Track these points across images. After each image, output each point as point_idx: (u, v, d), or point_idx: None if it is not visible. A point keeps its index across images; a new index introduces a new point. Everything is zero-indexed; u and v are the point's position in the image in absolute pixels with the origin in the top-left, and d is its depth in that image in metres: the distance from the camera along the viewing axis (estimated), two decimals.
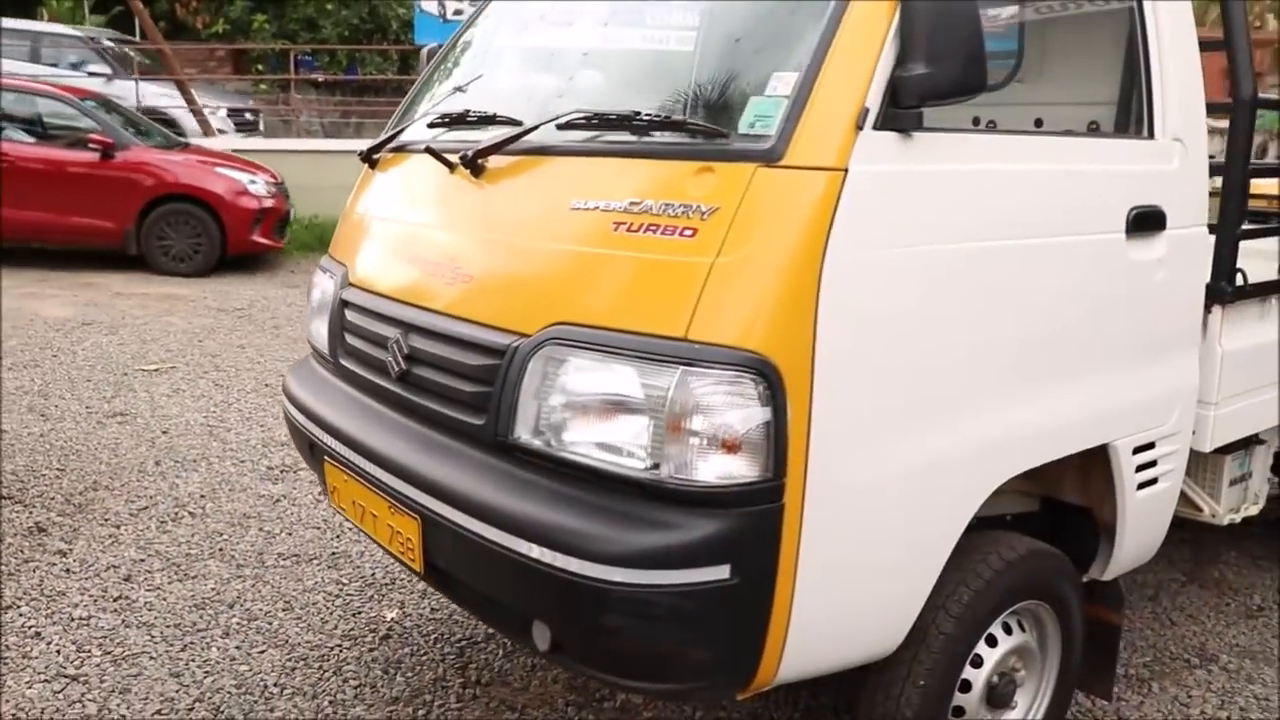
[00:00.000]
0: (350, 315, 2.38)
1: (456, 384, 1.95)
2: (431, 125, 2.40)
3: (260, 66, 16.45)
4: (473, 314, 1.97)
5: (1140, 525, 2.41)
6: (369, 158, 2.63)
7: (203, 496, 4.00)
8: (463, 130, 2.29)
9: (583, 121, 1.91)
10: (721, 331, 1.60)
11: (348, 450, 2.21)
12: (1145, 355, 2.29)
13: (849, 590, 1.79)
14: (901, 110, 1.68)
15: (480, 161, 2.09)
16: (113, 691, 2.69)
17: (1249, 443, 3.01)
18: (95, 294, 7.76)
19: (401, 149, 2.51)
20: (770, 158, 1.63)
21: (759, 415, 1.59)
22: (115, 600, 3.17)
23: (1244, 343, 2.62)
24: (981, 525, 2.45)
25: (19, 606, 3.10)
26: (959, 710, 2.15)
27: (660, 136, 1.81)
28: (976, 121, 2.73)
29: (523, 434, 1.79)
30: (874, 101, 1.66)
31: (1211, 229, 2.44)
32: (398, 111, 2.67)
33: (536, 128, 1.97)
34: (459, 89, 2.46)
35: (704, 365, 1.59)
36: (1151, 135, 2.26)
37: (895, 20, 1.68)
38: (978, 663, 2.15)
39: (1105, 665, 2.52)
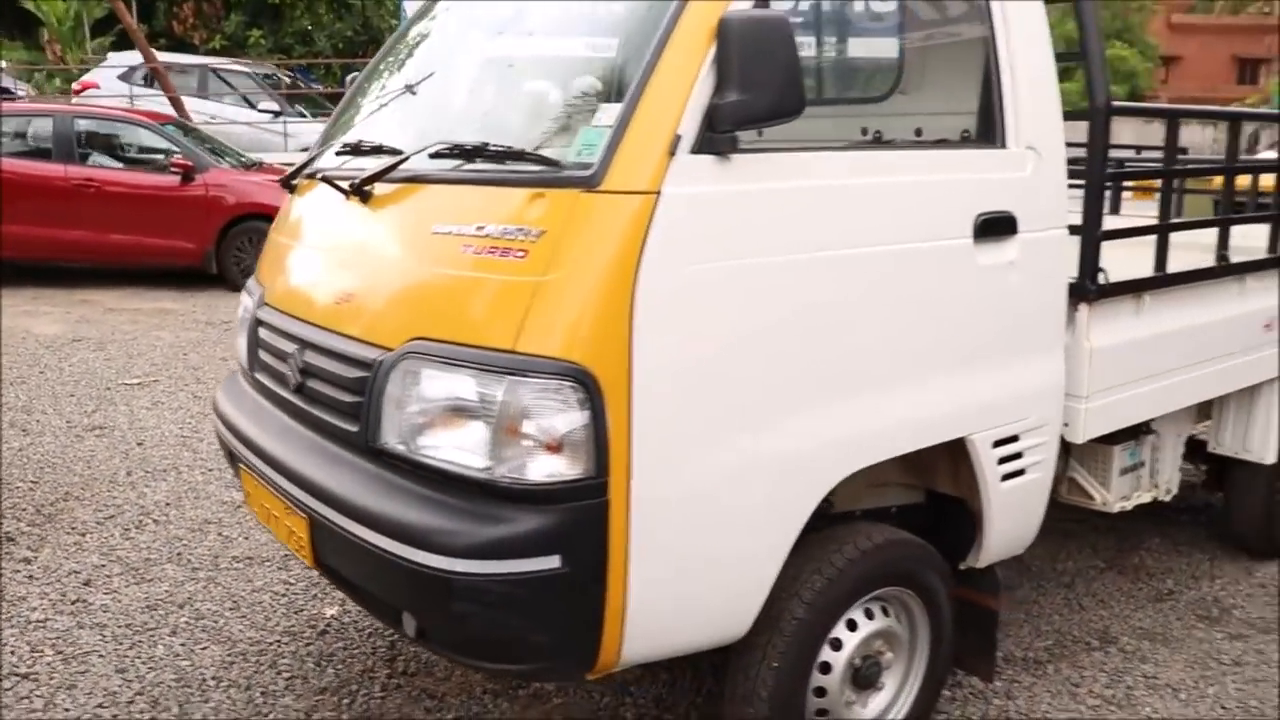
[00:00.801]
0: (263, 333, 2.56)
1: (338, 395, 2.12)
2: (338, 153, 2.58)
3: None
4: (351, 330, 2.14)
5: (1008, 514, 2.54)
6: (288, 184, 2.81)
7: (168, 504, 4.19)
8: (363, 158, 2.46)
9: (447, 151, 2.08)
10: (544, 344, 1.76)
11: (255, 458, 2.39)
12: (1002, 353, 2.43)
13: (685, 580, 1.94)
14: (717, 135, 1.83)
15: (367, 189, 2.26)
16: (60, 688, 2.88)
17: (1138, 432, 3.14)
18: (88, 310, 8.00)
19: (312, 176, 2.68)
20: (591, 184, 1.79)
21: (579, 419, 1.75)
22: (73, 604, 3.36)
23: (1115, 338, 2.75)
24: (866, 516, 2.62)
25: None
26: (821, 690, 2.29)
27: (507, 165, 1.97)
28: (864, 132, 2.88)
29: (388, 440, 1.96)
30: (688, 129, 1.82)
31: (1075, 230, 2.59)
32: (319, 139, 2.85)
33: (408, 158, 2.14)
34: (368, 115, 2.64)
35: (529, 375, 1.75)
36: (1004, 144, 2.40)
37: (712, 51, 1.84)
38: (838, 645, 2.30)
39: (986, 648, 2.66)
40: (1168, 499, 3.58)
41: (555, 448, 1.76)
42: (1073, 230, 2.55)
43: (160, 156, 8.93)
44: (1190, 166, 3.07)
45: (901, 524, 2.63)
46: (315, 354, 2.23)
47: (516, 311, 1.79)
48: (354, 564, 2.07)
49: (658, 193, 1.78)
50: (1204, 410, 3.60)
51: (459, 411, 1.84)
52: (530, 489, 1.78)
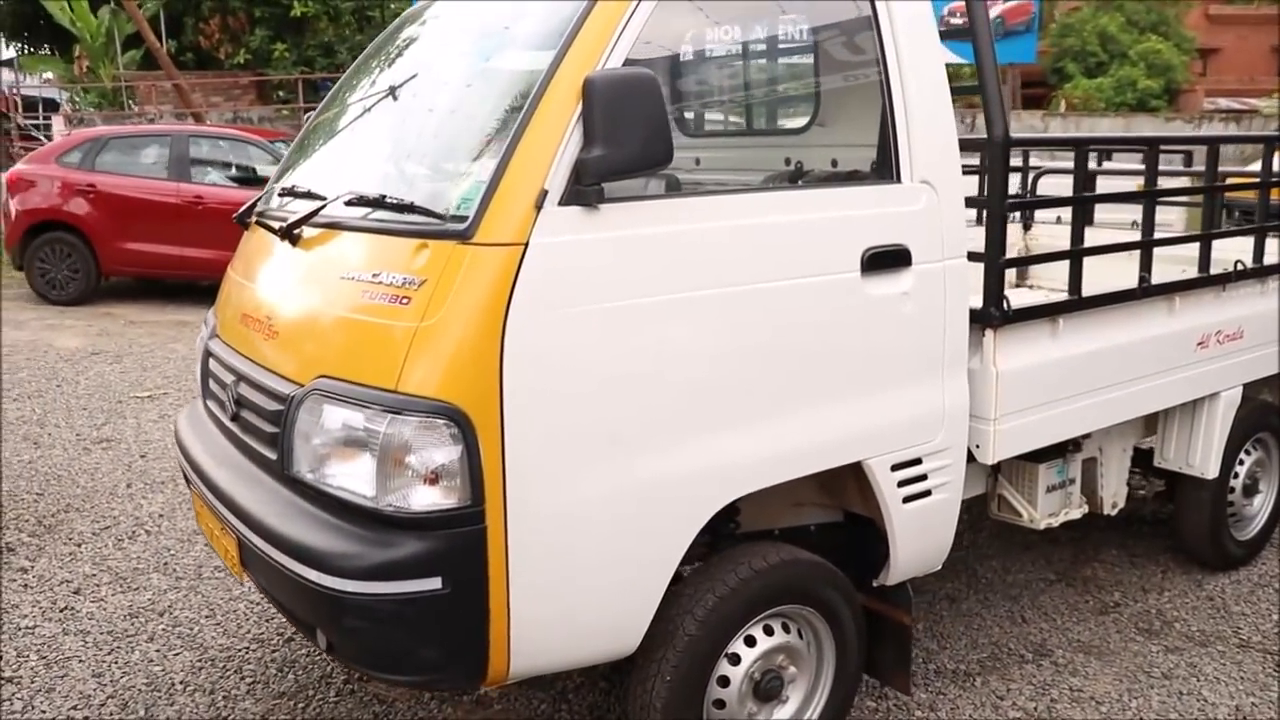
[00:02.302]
0: (211, 363, 2.75)
1: (262, 425, 2.30)
2: (280, 194, 2.76)
3: (281, 93, 17.19)
4: (274, 365, 2.32)
5: (914, 534, 2.65)
6: (242, 221, 3.00)
7: (161, 515, 4.43)
8: (298, 200, 2.64)
9: (356, 200, 2.25)
10: (421, 384, 1.92)
11: (199, 480, 2.58)
12: (898, 380, 2.54)
13: (567, 599, 2.09)
14: (584, 188, 1.98)
15: (295, 232, 2.43)
16: (39, 691, 3.10)
17: (1065, 450, 3.23)
18: (109, 324, 8.34)
19: (259, 215, 2.87)
20: (465, 236, 1.95)
21: (454, 453, 1.91)
22: (61, 611, 3.59)
23: (1027, 361, 2.84)
24: (785, 534, 2.75)
25: None
26: (720, 703, 2.43)
27: (404, 216, 2.13)
28: (788, 162, 3.00)
29: (299, 469, 2.13)
30: (555, 183, 1.96)
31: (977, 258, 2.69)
32: (273, 176, 3.04)
33: (324, 206, 2.32)
34: (309, 158, 2.82)
35: (407, 413, 1.92)
36: (898, 179, 2.51)
37: (578, 110, 1.98)
38: (737, 660, 2.42)
39: (901, 661, 2.77)
40: (1114, 513, 3.66)
41: (433, 479, 1.93)
42: (974, 257, 2.65)
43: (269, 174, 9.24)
44: (1097, 194, 3.13)
45: (821, 542, 2.76)
46: (247, 386, 2.41)
47: (399, 354, 1.96)
48: (273, 582, 2.25)
49: (525, 243, 1.93)
50: (1151, 423, 3.67)
51: (352, 445, 2.00)
52: (412, 517, 1.94)
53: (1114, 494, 3.64)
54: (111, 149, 9.36)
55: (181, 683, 3.15)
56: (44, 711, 3.00)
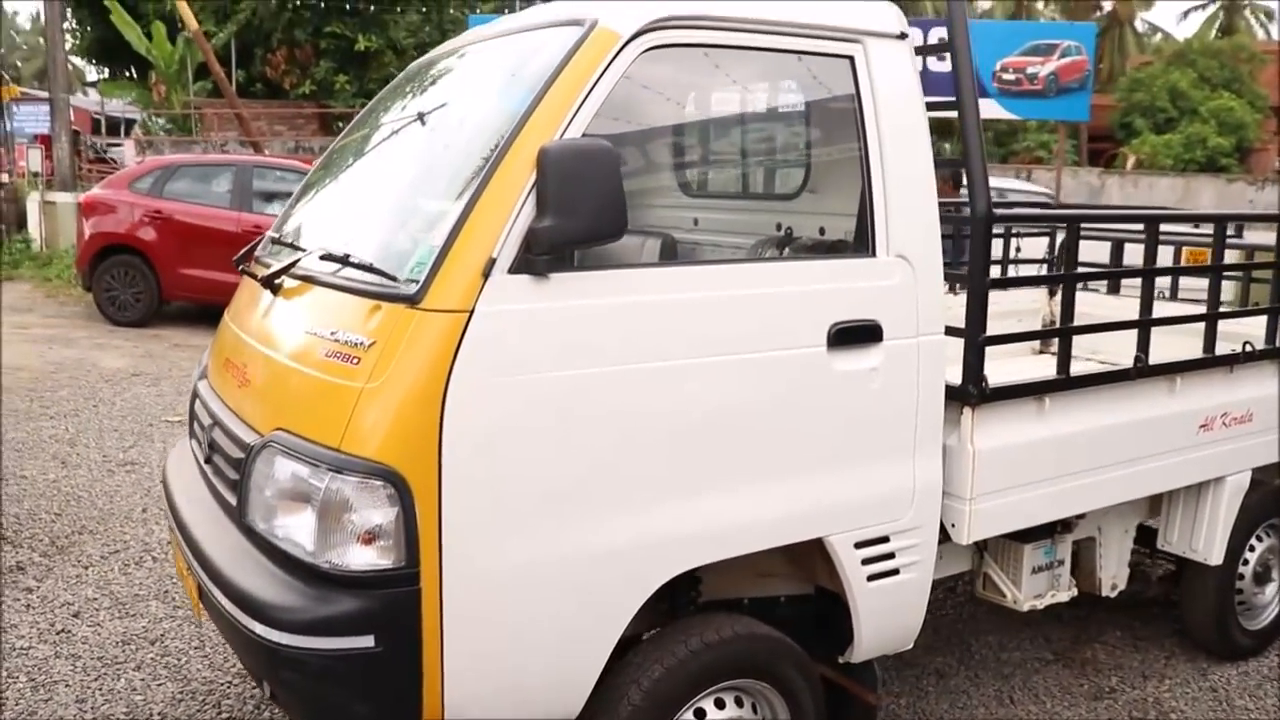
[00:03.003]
0: (196, 405, 2.83)
1: (228, 471, 2.35)
2: (273, 242, 2.84)
3: (342, 124, 17.68)
4: (243, 413, 2.38)
5: (881, 612, 2.60)
6: (237, 265, 3.09)
7: (169, 543, 4.52)
8: (288, 250, 2.71)
9: (327, 256, 2.30)
10: (363, 445, 1.95)
11: (173, 518, 2.64)
12: (864, 456, 2.50)
13: (503, 663, 2.09)
14: (534, 257, 2.00)
15: (276, 281, 2.50)
16: (22, 713, 3.17)
17: (1054, 530, 3.14)
18: (155, 345, 8.60)
19: (252, 261, 2.95)
20: (414, 300, 1.98)
21: (390, 515, 1.93)
22: (58, 634, 3.68)
23: (1009, 440, 2.78)
24: (753, 605, 2.72)
25: None
26: None
27: (366, 275, 2.18)
28: (779, 227, 3.00)
29: (254, 518, 2.18)
30: (505, 251, 1.99)
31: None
32: (274, 224, 3.13)
33: (299, 260, 2.38)
34: (303, 208, 2.91)
35: (348, 472, 1.95)
36: (873, 253, 2.49)
37: (531, 180, 2.02)
38: None
39: None
40: (1114, 594, 3.56)
41: (369, 539, 1.95)
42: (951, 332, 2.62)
43: None
44: (1081, 271, 3.07)
45: (790, 614, 2.72)
46: (219, 431, 2.47)
47: (345, 413, 1.99)
48: (223, 628, 2.29)
49: (470, 311, 1.96)
50: (1157, 502, 3.56)
51: (296, 499, 2.04)
52: (348, 575, 1.97)
53: (1114, 575, 3.54)
54: (181, 177, 9.75)
55: (160, 714, 3.21)
56: None
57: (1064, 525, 3.18)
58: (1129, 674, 3.67)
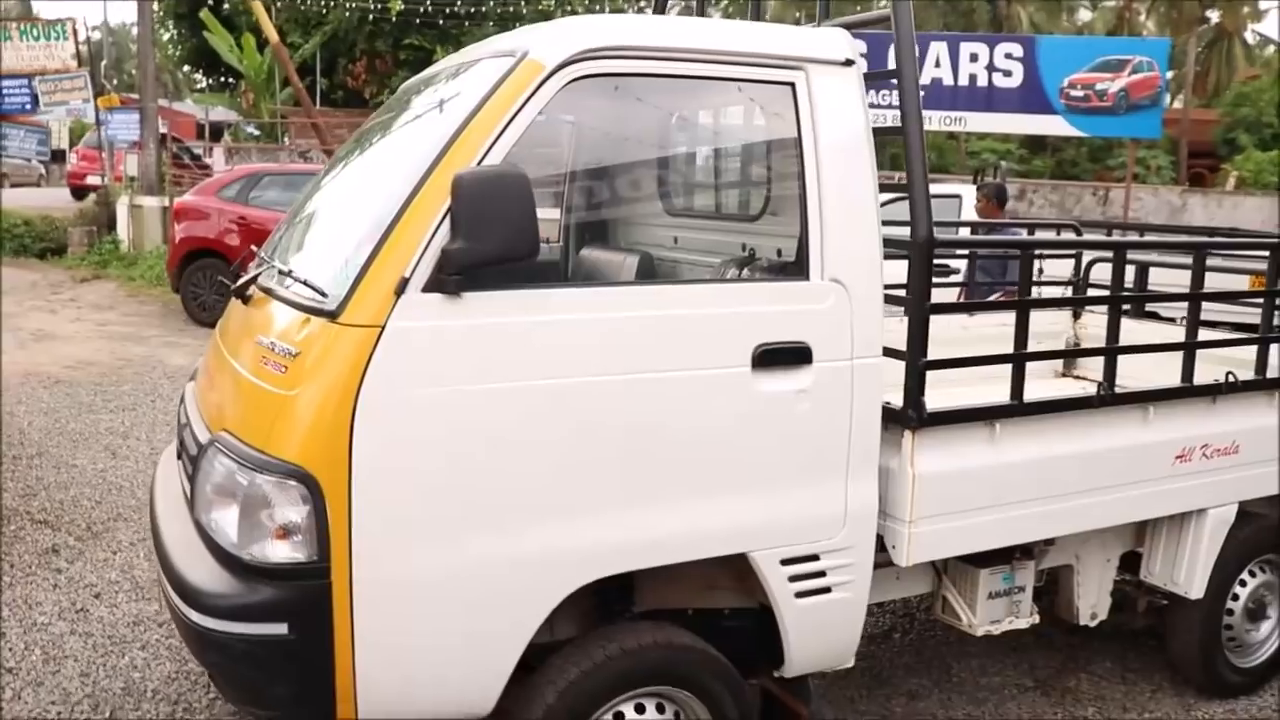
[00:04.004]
0: (181, 407, 3.04)
1: (189, 467, 2.54)
2: (258, 260, 3.04)
3: None
4: (205, 414, 2.57)
5: (810, 630, 2.64)
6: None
7: None
8: (264, 266, 2.90)
9: (282, 271, 2.48)
10: (282, 448, 2.11)
11: (150, 509, 2.85)
12: (791, 476, 2.54)
13: (414, 656, 2.21)
14: (446, 277, 2.13)
15: (246, 293, 2.69)
16: (29, 683, 3.43)
17: (1012, 556, 3.13)
18: None
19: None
20: (334, 315, 2.13)
21: (302, 513, 2.08)
22: (77, 612, 3.96)
23: (954, 464, 2.79)
24: (697, 616, 2.79)
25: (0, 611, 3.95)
26: None
27: (307, 289, 2.33)
28: (743, 248, 3.07)
29: (199, 513, 2.35)
30: (420, 271, 2.12)
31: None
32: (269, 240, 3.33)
33: (260, 273, 2.56)
34: (285, 229, 3.10)
35: (268, 472, 2.10)
36: (807, 276, 2.55)
37: (446, 205, 2.14)
38: None
39: None
40: (1093, 624, 3.51)
41: (284, 534, 2.10)
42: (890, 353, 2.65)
43: None
44: (1041, 298, 3.05)
45: (734, 627, 2.78)
46: (187, 431, 2.67)
47: (270, 417, 2.16)
48: (170, 612, 2.47)
49: (382, 326, 2.10)
50: (1142, 531, 3.50)
51: (226, 495, 2.21)
52: (265, 566, 2.12)
53: (1093, 604, 3.49)
54: (265, 185, 10.26)
55: (153, 691, 3.43)
56: (27, 702, 3.33)
57: (1024, 551, 3.16)
58: (1108, 706, 3.61)
